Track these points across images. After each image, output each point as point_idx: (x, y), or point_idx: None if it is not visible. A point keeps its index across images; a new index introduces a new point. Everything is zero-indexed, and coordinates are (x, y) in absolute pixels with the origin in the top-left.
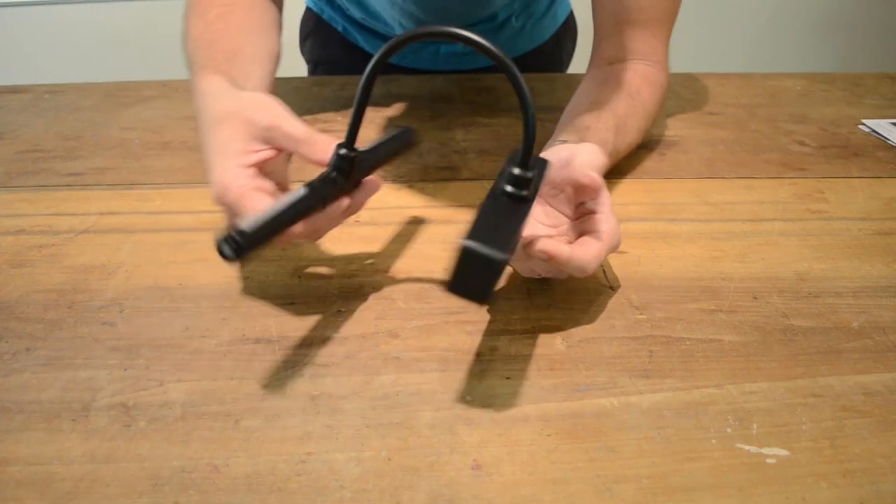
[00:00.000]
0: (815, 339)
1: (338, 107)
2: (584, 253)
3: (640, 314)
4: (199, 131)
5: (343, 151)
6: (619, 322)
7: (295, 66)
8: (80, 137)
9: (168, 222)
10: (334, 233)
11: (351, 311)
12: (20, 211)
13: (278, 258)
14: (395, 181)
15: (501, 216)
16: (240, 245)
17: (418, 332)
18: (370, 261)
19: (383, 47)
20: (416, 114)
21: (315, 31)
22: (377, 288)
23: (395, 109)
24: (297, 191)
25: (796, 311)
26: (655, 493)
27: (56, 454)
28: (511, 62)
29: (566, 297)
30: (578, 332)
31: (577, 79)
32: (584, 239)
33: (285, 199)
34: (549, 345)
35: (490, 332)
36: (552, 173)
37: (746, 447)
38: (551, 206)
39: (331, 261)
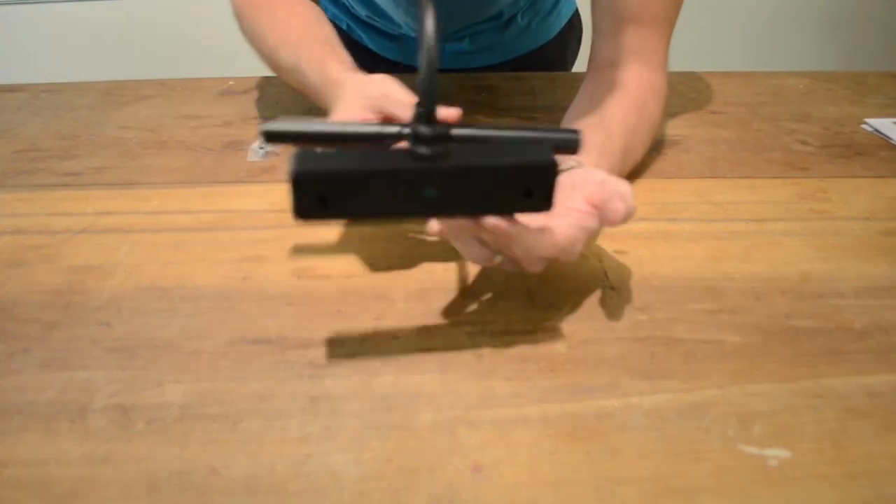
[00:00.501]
0: (818, 339)
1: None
2: (537, 230)
3: (642, 315)
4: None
5: (422, 109)
6: (620, 323)
7: None
8: (77, 137)
9: (166, 222)
10: (334, 233)
11: (350, 312)
12: (17, 211)
13: (277, 258)
14: None
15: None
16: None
17: (418, 332)
18: (370, 261)
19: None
20: None
21: None
22: (376, 288)
23: None
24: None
25: (799, 312)
26: (657, 495)
27: (54, 456)
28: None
29: (567, 298)
30: (579, 333)
31: (578, 77)
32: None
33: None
34: (550, 346)
35: (490, 333)
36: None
37: (748, 449)
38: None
39: (330, 261)
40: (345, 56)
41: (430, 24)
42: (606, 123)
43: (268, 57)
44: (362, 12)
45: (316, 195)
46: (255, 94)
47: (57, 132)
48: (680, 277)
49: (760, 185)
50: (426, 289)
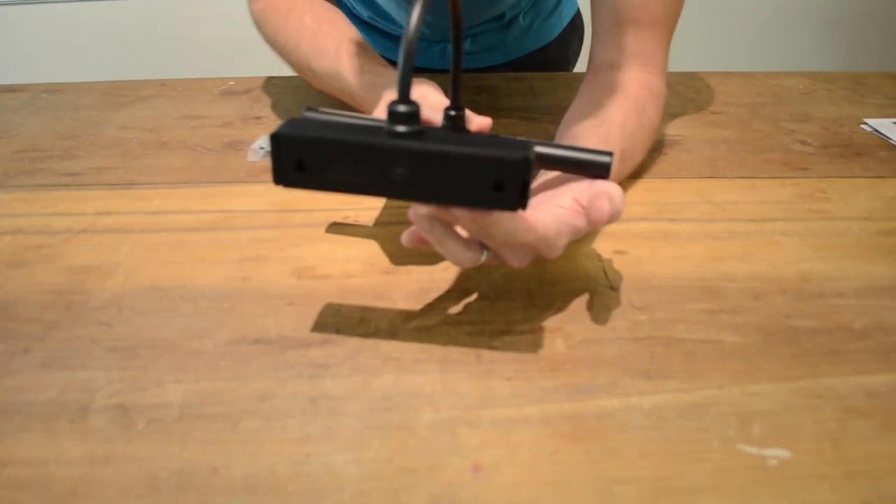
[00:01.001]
0: (818, 339)
1: (340, 106)
2: (515, 216)
3: (642, 315)
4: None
5: (452, 113)
6: (620, 323)
7: None
8: (78, 137)
9: (166, 222)
10: (334, 233)
11: (350, 312)
12: (17, 211)
13: (277, 258)
14: None
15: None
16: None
17: (418, 332)
18: (370, 261)
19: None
20: None
21: None
22: (376, 288)
23: None
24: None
25: (799, 312)
26: (656, 495)
27: (54, 456)
28: None
29: (567, 298)
30: (579, 333)
31: (578, 78)
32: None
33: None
34: (550, 346)
35: (490, 333)
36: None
37: (748, 449)
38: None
39: (330, 261)
40: (381, 59)
41: (416, 9)
42: (605, 127)
43: (299, 64)
44: (364, 13)
45: (293, 159)
46: (255, 94)
47: (57, 132)
48: (680, 277)
49: (760, 185)
50: (426, 289)
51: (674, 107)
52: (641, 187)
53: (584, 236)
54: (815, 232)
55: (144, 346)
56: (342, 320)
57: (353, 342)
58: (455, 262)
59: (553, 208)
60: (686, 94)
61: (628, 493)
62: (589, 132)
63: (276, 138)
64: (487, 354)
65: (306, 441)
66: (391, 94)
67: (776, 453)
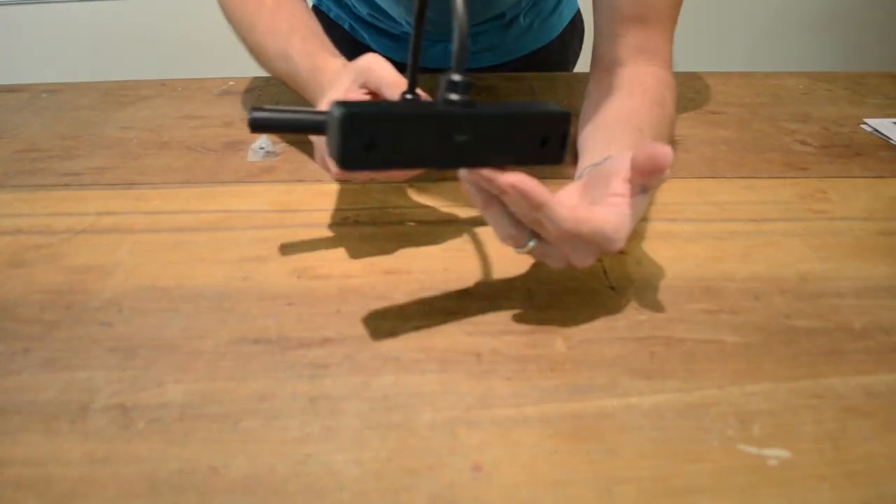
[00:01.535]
0: (818, 339)
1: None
2: (582, 209)
3: (641, 315)
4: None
5: (409, 96)
6: (619, 323)
7: None
8: (78, 137)
9: (166, 222)
10: (334, 233)
11: (350, 312)
12: (17, 211)
13: (278, 258)
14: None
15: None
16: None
17: (418, 332)
18: (370, 261)
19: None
20: None
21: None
22: (377, 288)
23: None
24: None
25: (798, 312)
26: (656, 495)
27: (54, 455)
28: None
29: (567, 298)
30: (579, 333)
31: (577, 78)
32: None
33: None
34: (550, 345)
35: (490, 333)
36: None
37: (748, 449)
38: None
39: (330, 261)
40: (333, 49)
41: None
42: (635, 120)
43: (254, 44)
44: (364, 11)
45: (363, 139)
46: (255, 94)
47: (57, 132)
48: (680, 277)
49: (760, 185)
50: (426, 289)
51: None
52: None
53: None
54: (814, 232)
55: (145, 346)
56: (342, 320)
57: (353, 342)
58: (500, 237)
59: (608, 198)
60: (686, 94)
61: (628, 493)
62: (619, 126)
63: (347, 119)
64: (487, 354)
65: (306, 441)
66: (346, 74)
67: (776, 453)
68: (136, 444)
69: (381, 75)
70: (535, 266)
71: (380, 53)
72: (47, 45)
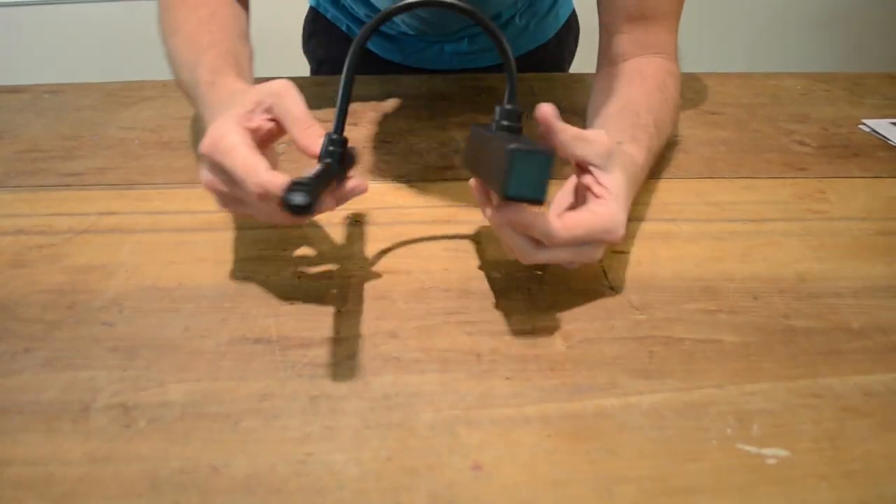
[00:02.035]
0: (816, 339)
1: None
2: (569, 216)
3: (641, 315)
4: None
5: (334, 136)
6: (619, 322)
7: (298, 65)
8: (80, 137)
9: (168, 222)
10: (334, 233)
11: (351, 312)
12: (19, 211)
13: (278, 258)
14: (394, 181)
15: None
16: (312, 190)
17: (418, 332)
18: (370, 261)
19: (370, 23)
20: (415, 114)
21: (319, 31)
22: (377, 288)
23: (394, 109)
24: (316, 167)
25: (797, 312)
26: (656, 495)
27: (55, 455)
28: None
29: (566, 298)
30: (579, 333)
31: (577, 78)
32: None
33: (311, 171)
34: (550, 345)
35: (490, 333)
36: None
37: (747, 448)
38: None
39: (331, 261)
40: (245, 73)
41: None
42: (632, 107)
43: (172, 48)
44: (361, 12)
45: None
46: None
47: (59, 133)
48: (679, 277)
49: (759, 185)
50: (426, 289)
51: None
52: (641, 188)
53: None
54: (813, 232)
55: (146, 346)
56: (342, 320)
57: (353, 342)
58: (512, 254)
59: (592, 193)
60: (685, 95)
61: (628, 492)
62: (618, 113)
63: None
64: (487, 354)
65: (306, 440)
66: (245, 102)
67: (775, 453)
68: (138, 444)
69: (289, 107)
70: (535, 266)
71: (378, 55)
72: (49, 46)
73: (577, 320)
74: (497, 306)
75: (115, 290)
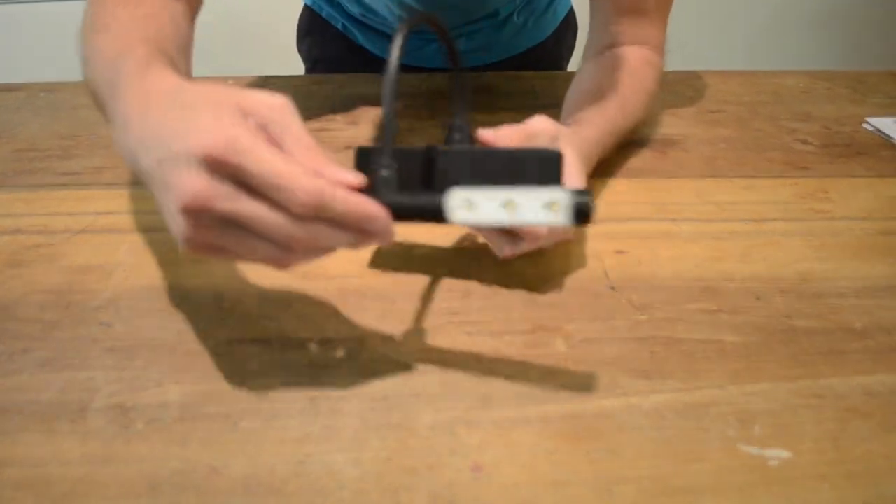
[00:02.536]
0: (818, 339)
1: (337, 105)
2: None
3: (641, 315)
4: (151, 112)
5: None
6: (619, 323)
7: (293, 64)
8: (77, 136)
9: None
10: None
11: (350, 312)
12: (16, 211)
13: None
14: None
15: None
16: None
17: (418, 332)
18: (370, 261)
19: (396, 46)
20: (414, 112)
21: (314, 30)
22: (377, 288)
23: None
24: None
25: (798, 312)
26: (656, 495)
27: (53, 455)
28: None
29: (567, 298)
30: (579, 333)
31: None
32: None
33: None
34: (550, 345)
35: (490, 333)
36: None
37: (748, 448)
38: None
39: (330, 261)
40: (183, 69)
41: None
42: (597, 89)
43: (96, 46)
44: (355, 10)
45: None
46: None
47: (56, 132)
48: (679, 277)
49: (760, 184)
50: (426, 289)
51: (673, 106)
52: (640, 187)
53: (584, 236)
54: (815, 232)
55: (144, 346)
56: (342, 320)
57: (353, 342)
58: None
59: None
60: (686, 94)
61: (628, 492)
62: (583, 98)
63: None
64: (487, 354)
65: (306, 441)
66: (234, 97)
67: (776, 453)
68: (136, 444)
69: (289, 126)
70: (535, 266)
71: (374, 52)
72: (46, 45)
73: (577, 320)
74: (497, 306)
75: (113, 290)
